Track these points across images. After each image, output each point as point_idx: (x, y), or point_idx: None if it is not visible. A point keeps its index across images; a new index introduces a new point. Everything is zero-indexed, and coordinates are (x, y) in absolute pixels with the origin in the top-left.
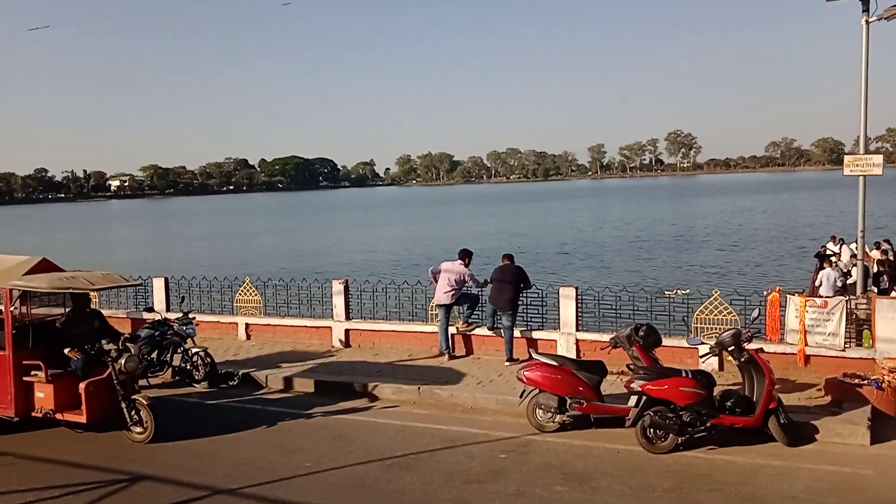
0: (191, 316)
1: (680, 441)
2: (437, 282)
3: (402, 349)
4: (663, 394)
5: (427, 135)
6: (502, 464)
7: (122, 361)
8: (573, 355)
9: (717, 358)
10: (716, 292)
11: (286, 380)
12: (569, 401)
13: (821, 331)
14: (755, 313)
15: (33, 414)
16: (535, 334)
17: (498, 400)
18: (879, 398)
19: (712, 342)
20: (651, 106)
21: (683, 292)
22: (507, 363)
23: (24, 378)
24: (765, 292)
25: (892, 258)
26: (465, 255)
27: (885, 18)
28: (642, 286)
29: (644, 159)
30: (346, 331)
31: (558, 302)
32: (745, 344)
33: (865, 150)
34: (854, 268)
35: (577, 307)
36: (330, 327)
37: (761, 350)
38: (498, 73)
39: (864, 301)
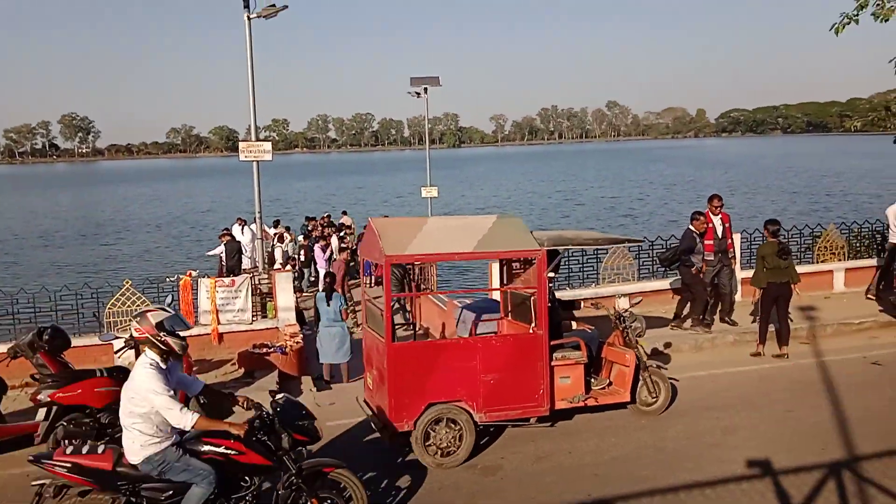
0: None
1: None
2: None
3: None
4: (77, 399)
5: None
6: None
7: (637, 325)
8: None
9: (133, 350)
10: (127, 282)
11: None
12: None
13: (231, 308)
14: (168, 300)
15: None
16: None
17: None
18: (284, 362)
19: (127, 335)
20: (40, 87)
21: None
22: None
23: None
24: (179, 277)
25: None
26: None
27: (263, 16)
28: (43, 284)
29: (36, 143)
30: None
31: None
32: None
33: (256, 137)
34: (270, 244)
35: None
36: None
37: None
38: None
39: (266, 276)
